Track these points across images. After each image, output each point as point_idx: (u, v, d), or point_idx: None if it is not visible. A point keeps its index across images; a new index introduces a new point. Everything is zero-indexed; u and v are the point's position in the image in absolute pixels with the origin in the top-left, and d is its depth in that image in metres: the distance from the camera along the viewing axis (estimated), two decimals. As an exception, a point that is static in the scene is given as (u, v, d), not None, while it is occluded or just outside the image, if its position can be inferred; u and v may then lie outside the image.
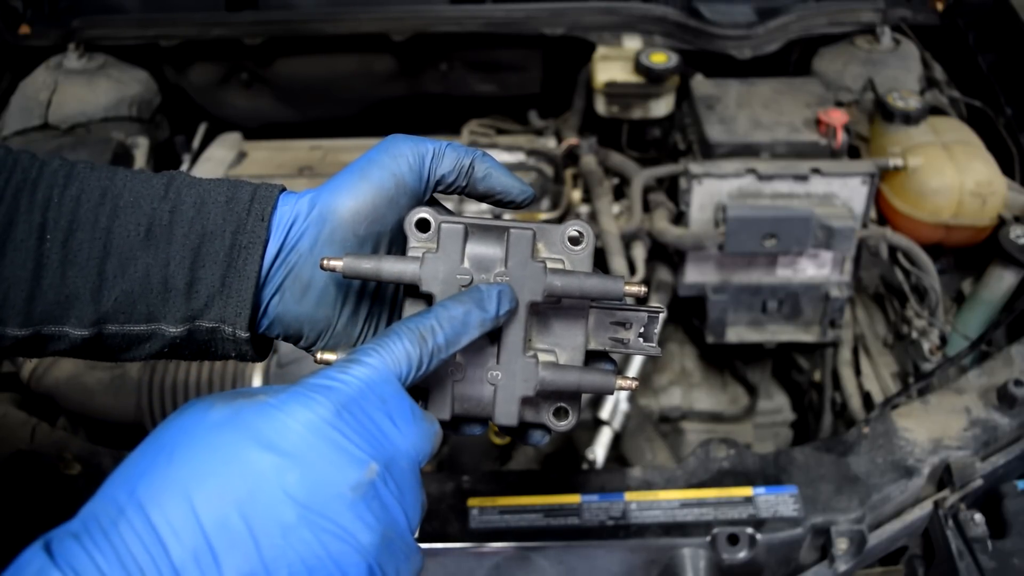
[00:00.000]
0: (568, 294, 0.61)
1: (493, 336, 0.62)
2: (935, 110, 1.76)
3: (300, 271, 0.64)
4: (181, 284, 0.62)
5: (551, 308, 0.64)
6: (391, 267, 0.61)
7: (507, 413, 0.63)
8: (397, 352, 0.55)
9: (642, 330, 0.65)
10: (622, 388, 0.63)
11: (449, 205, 1.73)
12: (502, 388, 0.63)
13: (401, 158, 0.64)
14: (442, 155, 0.66)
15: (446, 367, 0.63)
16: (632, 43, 1.91)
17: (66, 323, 0.60)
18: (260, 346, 0.67)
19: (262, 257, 0.62)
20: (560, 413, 0.66)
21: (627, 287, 0.62)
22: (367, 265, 0.60)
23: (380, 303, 0.69)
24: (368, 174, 0.63)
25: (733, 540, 1.07)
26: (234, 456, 0.47)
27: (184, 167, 1.93)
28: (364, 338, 0.68)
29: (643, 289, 0.63)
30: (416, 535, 0.54)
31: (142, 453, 0.49)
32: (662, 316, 0.65)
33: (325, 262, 0.60)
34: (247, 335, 0.63)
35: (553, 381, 0.62)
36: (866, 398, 1.65)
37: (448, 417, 0.63)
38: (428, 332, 0.56)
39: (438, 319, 0.57)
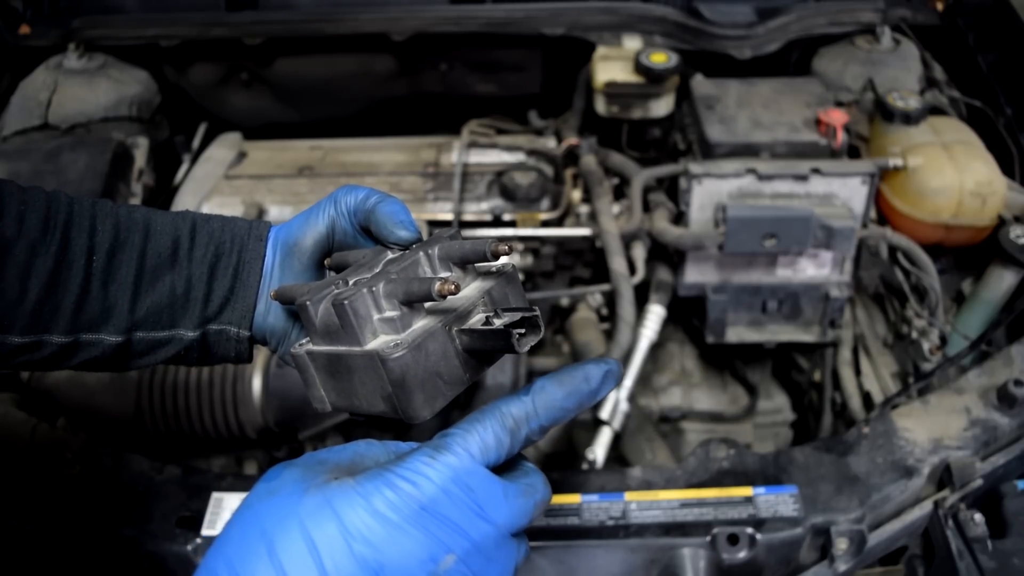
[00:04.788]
0: (405, 293, 0.63)
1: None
2: (935, 110, 1.76)
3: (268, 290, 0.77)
4: (200, 295, 0.74)
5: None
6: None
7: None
8: (488, 441, 0.56)
9: (490, 256, 0.64)
10: (499, 251, 0.62)
11: (450, 204, 1.73)
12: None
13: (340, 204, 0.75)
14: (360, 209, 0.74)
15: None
16: (632, 43, 1.91)
17: (103, 331, 0.71)
18: (251, 349, 0.79)
19: (261, 270, 0.76)
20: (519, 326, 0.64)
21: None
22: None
23: None
24: (315, 216, 0.75)
25: (733, 540, 1.07)
26: (326, 545, 0.51)
27: (184, 167, 1.93)
28: None
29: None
30: None
31: (241, 532, 0.52)
32: (509, 259, 0.65)
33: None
34: (248, 334, 0.76)
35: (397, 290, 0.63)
36: (866, 398, 1.65)
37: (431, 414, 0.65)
38: (523, 421, 0.58)
39: (535, 405, 0.58)
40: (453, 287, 0.59)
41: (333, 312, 0.64)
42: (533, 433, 0.58)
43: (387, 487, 0.52)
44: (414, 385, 0.60)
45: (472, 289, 0.66)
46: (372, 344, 0.62)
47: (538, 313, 0.61)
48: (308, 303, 0.66)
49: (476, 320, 0.63)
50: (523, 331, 0.60)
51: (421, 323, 0.63)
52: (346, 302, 0.62)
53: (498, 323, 0.61)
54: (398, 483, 0.53)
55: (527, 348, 0.60)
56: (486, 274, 0.68)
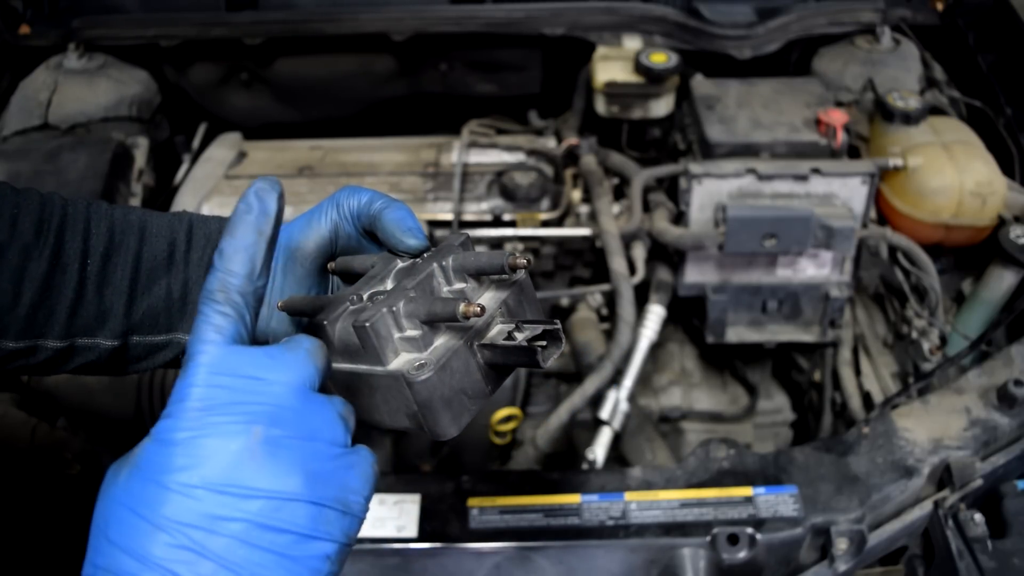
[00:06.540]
0: (427, 313, 0.62)
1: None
2: (935, 110, 1.76)
3: (273, 294, 0.74)
4: (197, 298, 0.69)
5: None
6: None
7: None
8: (216, 322, 0.55)
9: (504, 269, 0.63)
10: (517, 265, 0.62)
11: (450, 204, 1.73)
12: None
13: (342, 207, 0.73)
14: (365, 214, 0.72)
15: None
16: (632, 43, 1.91)
17: (98, 335, 0.71)
18: None
19: None
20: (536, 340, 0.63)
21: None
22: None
23: None
24: (317, 219, 0.73)
25: (733, 540, 1.07)
26: (148, 504, 0.52)
27: (184, 167, 1.93)
28: None
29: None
30: (350, 440, 0.56)
31: (92, 536, 0.56)
32: (519, 263, 0.63)
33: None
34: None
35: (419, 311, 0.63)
36: (866, 398, 1.65)
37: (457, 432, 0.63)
38: (227, 286, 0.57)
39: (224, 265, 0.57)
40: (478, 309, 0.58)
41: (353, 333, 0.63)
42: (241, 286, 0.57)
43: (169, 458, 0.53)
44: (441, 405, 0.59)
45: (487, 300, 0.66)
46: (395, 364, 0.61)
47: (559, 326, 0.61)
48: (326, 323, 0.65)
49: (496, 333, 0.63)
50: (544, 344, 0.60)
51: (442, 340, 0.62)
52: (368, 324, 0.61)
53: (520, 338, 0.60)
54: (173, 406, 0.53)
55: (550, 362, 0.59)
56: (499, 283, 0.67)
